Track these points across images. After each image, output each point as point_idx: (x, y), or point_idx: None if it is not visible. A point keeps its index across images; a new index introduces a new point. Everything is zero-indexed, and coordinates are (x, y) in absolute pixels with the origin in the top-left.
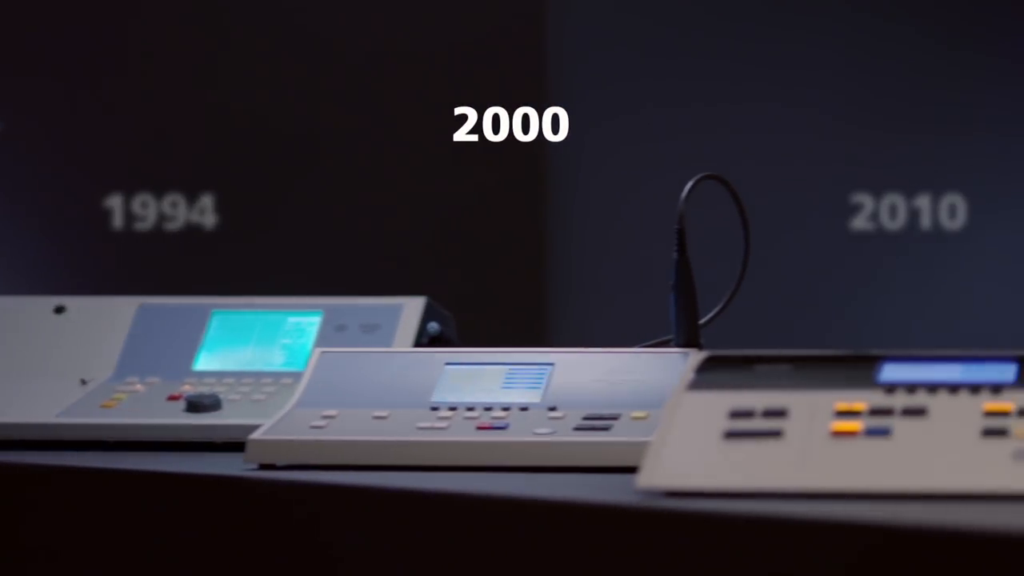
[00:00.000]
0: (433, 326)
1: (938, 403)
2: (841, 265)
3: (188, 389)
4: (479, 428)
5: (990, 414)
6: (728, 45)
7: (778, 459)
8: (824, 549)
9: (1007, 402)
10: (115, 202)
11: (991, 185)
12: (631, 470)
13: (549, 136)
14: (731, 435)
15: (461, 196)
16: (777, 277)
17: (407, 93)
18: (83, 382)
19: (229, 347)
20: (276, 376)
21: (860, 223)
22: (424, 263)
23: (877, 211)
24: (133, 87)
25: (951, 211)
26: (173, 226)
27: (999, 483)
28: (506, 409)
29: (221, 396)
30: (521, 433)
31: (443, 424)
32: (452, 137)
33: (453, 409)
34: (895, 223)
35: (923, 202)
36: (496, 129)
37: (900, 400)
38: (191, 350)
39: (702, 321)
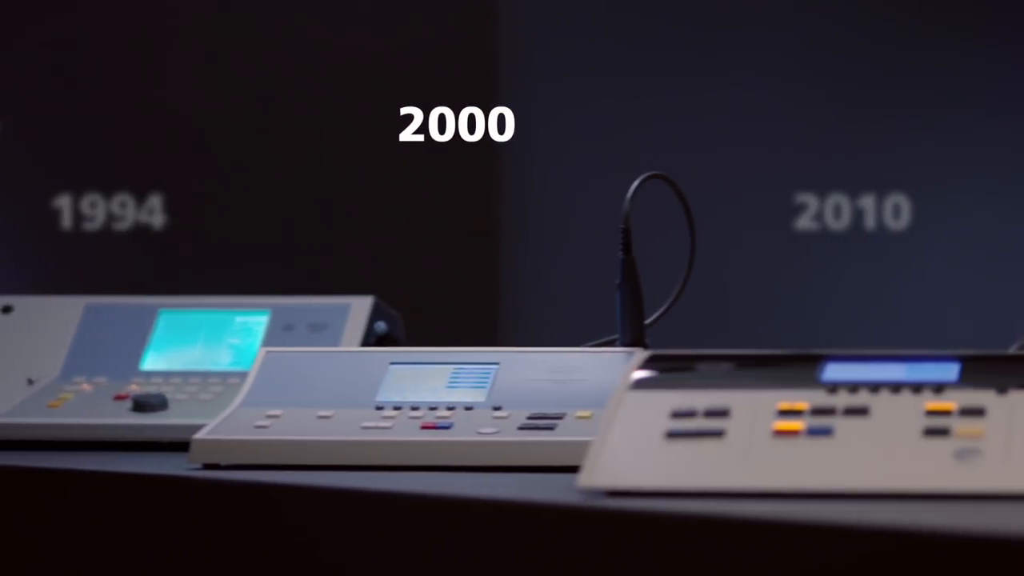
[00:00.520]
0: (380, 325)
1: (880, 402)
2: (785, 265)
3: (135, 389)
4: (423, 428)
5: (932, 413)
6: (674, 46)
7: (720, 458)
8: (765, 548)
9: (949, 401)
10: (64, 202)
11: (935, 185)
12: (576, 469)
13: (495, 136)
14: (673, 435)
15: (411, 196)
16: (722, 277)
17: (354, 93)
18: (30, 382)
19: (176, 347)
20: (223, 376)
21: (804, 223)
22: (375, 263)
23: (821, 211)
24: (81, 87)
25: (895, 211)
26: (122, 226)
27: (940, 483)
28: (451, 409)
29: (168, 396)
30: (465, 433)
31: (387, 424)
32: (399, 137)
33: (398, 409)
34: (839, 223)
35: (867, 202)
36: (442, 129)
37: (842, 400)
38: (138, 350)
39: (648, 321)
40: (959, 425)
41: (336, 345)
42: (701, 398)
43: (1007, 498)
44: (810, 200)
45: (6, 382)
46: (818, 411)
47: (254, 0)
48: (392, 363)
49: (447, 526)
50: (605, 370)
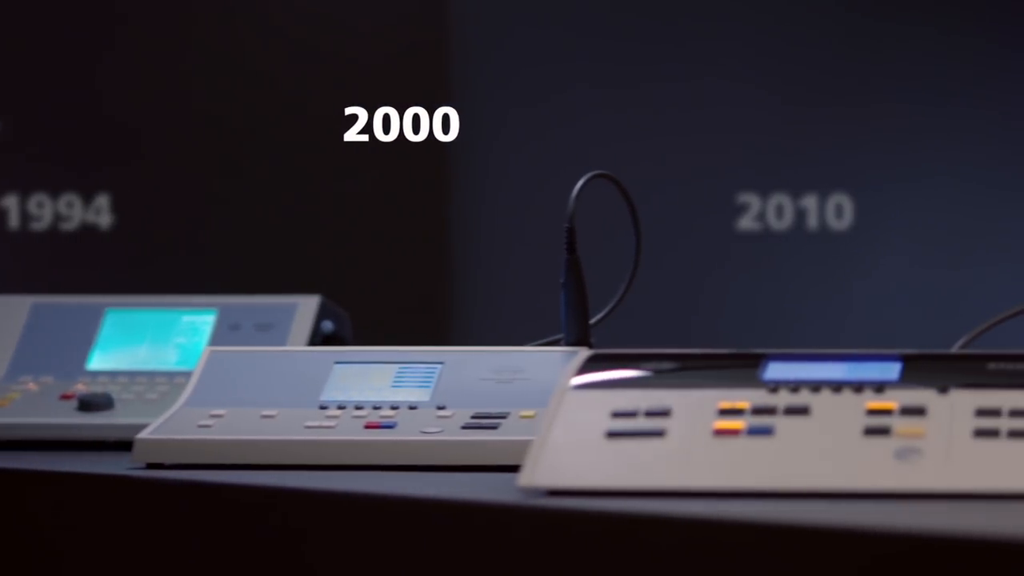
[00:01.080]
0: (327, 325)
1: (821, 401)
2: (728, 265)
3: (81, 388)
4: (367, 427)
5: (873, 412)
6: (619, 45)
7: (660, 458)
8: (705, 547)
9: (890, 401)
10: (10, 202)
11: (878, 185)
12: (519, 469)
13: (440, 136)
14: (613, 435)
15: (358, 196)
16: (666, 277)
17: (300, 93)
18: None
19: (123, 346)
20: (170, 375)
21: (747, 223)
22: (324, 263)
23: (764, 211)
24: (28, 87)
25: (838, 211)
26: (69, 226)
27: (880, 482)
28: (395, 408)
29: (114, 395)
30: (409, 432)
31: (331, 423)
32: (343, 137)
33: (342, 408)
34: (782, 223)
35: (810, 202)
36: (387, 129)
37: (783, 399)
38: (85, 349)
39: (592, 320)
40: (900, 424)
41: (283, 344)
42: (642, 398)
43: (947, 497)
44: (752, 200)
45: None
46: (759, 410)
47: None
48: (337, 362)
49: (388, 525)
50: (549, 369)
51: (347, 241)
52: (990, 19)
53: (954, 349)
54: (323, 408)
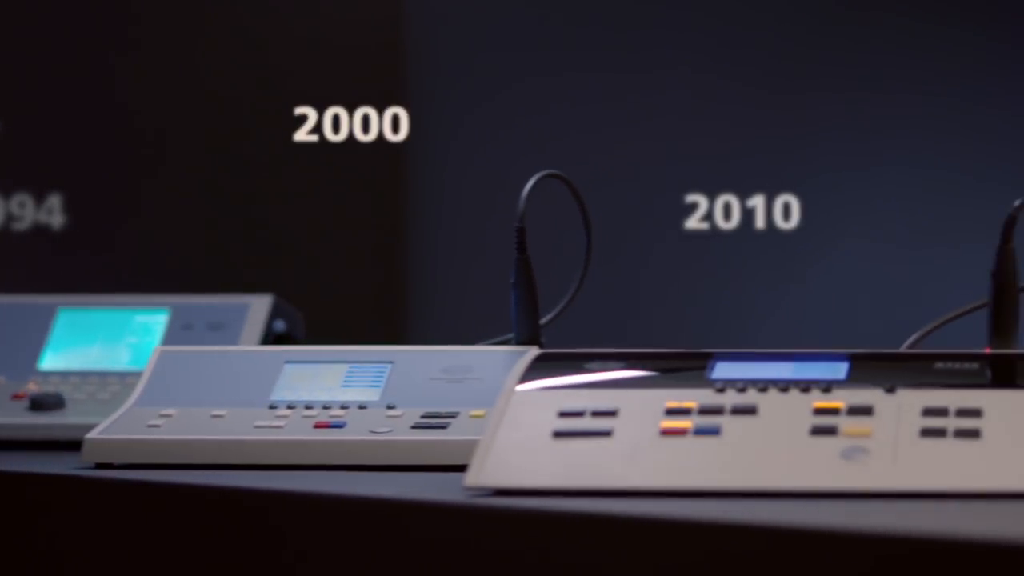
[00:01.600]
0: (278, 324)
1: (768, 401)
2: (676, 265)
3: (33, 388)
4: (316, 427)
5: (820, 412)
6: (569, 45)
7: (607, 457)
8: (651, 546)
9: (837, 400)
10: None
11: (825, 185)
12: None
13: (389, 136)
14: (560, 434)
15: (309, 195)
16: (615, 277)
17: (253, 91)
18: None
19: (75, 346)
20: (122, 375)
21: (694, 223)
22: (277, 263)
23: (711, 211)
24: None
25: (785, 211)
26: (20, 226)
27: (827, 481)
28: (344, 408)
29: (66, 395)
30: (358, 432)
31: (280, 423)
32: (293, 137)
33: (291, 408)
34: (729, 223)
35: (757, 202)
36: (336, 129)
37: (730, 398)
38: (36, 348)
39: (543, 320)
40: (847, 424)
41: (235, 344)
42: (589, 397)
43: (893, 496)
44: (700, 200)
45: None
46: (706, 410)
47: None
48: (287, 362)
49: (337, 525)
50: (499, 369)
51: (300, 241)
52: (927, 9)
53: (903, 348)
54: (273, 408)
